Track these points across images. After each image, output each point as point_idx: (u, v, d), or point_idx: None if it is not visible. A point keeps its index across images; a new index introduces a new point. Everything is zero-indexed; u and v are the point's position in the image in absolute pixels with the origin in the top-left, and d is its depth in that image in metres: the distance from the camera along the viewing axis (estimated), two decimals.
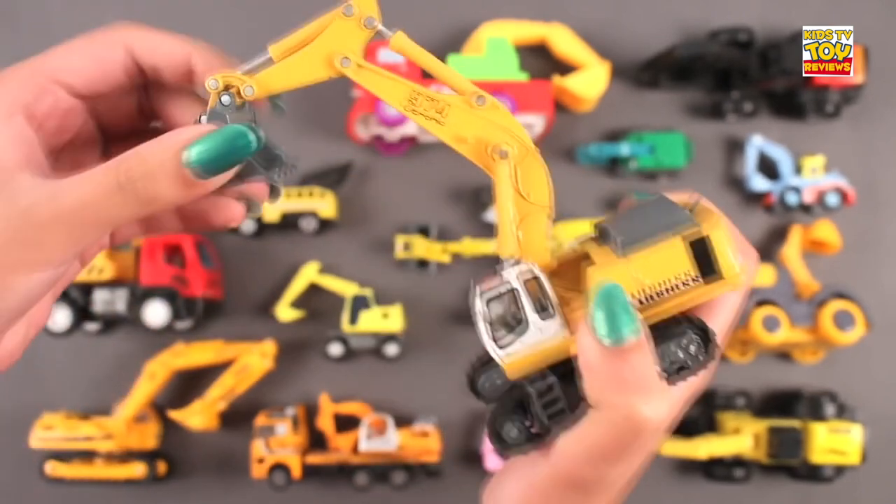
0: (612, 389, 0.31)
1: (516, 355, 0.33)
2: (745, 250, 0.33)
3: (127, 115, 0.40)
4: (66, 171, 0.34)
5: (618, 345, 0.30)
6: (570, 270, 0.36)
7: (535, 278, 0.33)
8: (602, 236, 0.35)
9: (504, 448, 0.34)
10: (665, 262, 0.32)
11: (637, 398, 0.31)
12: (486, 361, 0.37)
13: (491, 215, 1.04)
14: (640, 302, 0.32)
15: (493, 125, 0.35)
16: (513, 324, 0.33)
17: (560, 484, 0.35)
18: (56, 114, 0.36)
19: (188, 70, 0.37)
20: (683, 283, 0.32)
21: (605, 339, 0.31)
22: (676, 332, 0.33)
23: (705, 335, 0.34)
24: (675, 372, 0.33)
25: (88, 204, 0.32)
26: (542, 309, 0.33)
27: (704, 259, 0.32)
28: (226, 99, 0.35)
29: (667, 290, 0.32)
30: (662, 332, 0.33)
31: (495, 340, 0.33)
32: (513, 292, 0.33)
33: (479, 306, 0.33)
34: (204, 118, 0.36)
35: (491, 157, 0.34)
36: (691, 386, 0.34)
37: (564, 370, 0.33)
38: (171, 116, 0.39)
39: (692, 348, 0.33)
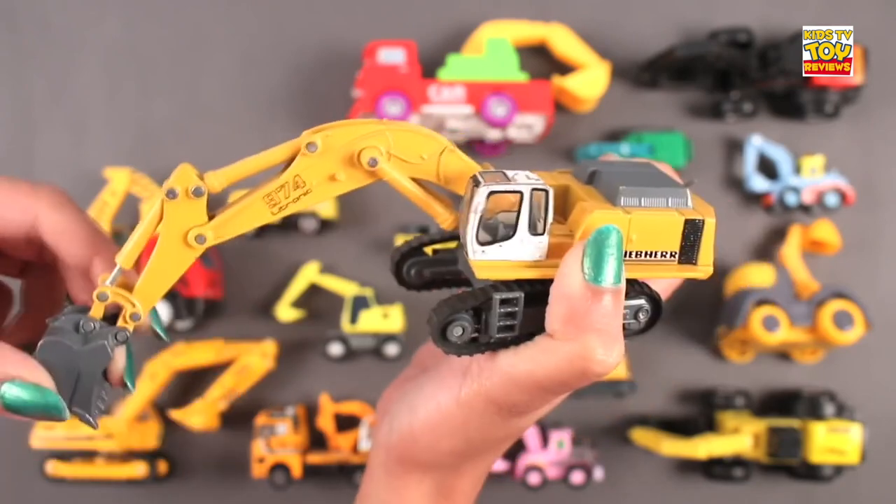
0: (578, 323, 0.32)
1: (489, 259, 0.33)
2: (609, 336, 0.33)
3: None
4: None
5: (599, 285, 0.31)
6: None
7: (545, 191, 0.33)
8: (591, 178, 0.35)
9: (444, 346, 0.34)
10: (659, 231, 0.33)
11: (598, 340, 0.32)
12: (413, 249, 0.39)
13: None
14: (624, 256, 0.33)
15: (340, 150, 0.34)
16: (497, 229, 0.33)
17: (488, 403, 0.35)
18: None
19: (86, 266, 0.37)
20: (661, 255, 0.33)
21: (592, 276, 0.31)
22: (633, 296, 0.34)
23: (657, 308, 0.35)
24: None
25: None
26: (534, 225, 0.33)
27: (688, 245, 0.34)
28: (89, 326, 0.35)
29: (647, 254, 0.33)
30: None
31: (477, 237, 0.33)
32: (520, 196, 0.33)
33: (480, 197, 0.33)
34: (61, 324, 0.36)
35: (368, 169, 0.35)
36: None
37: (530, 293, 0.34)
38: (71, 288, 0.39)
39: (641, 315, 0.35)
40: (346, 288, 1.07)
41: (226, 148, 1.10)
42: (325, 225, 1.07)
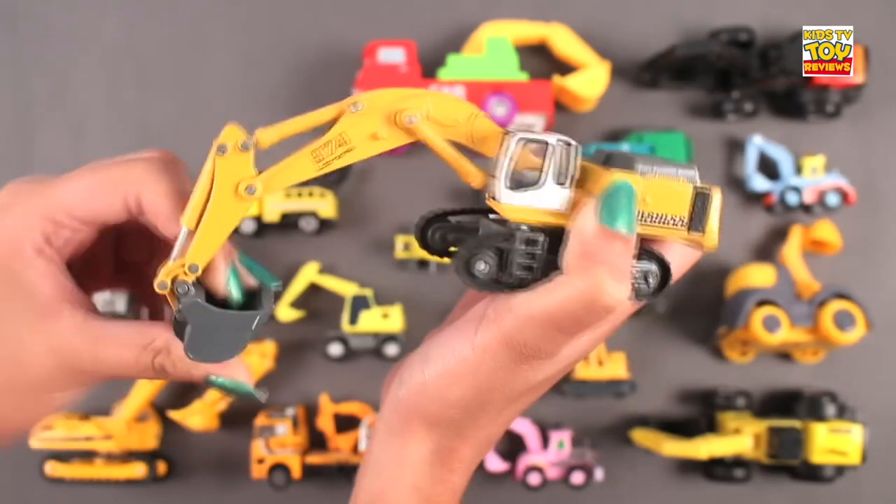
0: (590, 260, 0.34)
1: (517, 203, 0.36)
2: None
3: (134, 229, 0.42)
4: (84, 281, 0.39)
5: (612, 228, 0.34)
6: None
7: (571, 146, 0.36)
8: (607, 160, 0.38)
9: (468, 279, 0.37)
10: (671, 197, 0.37)
11: (608, 276, 0.34)
12: (438, 215, 0.42)
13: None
14: (638, 216, 0.36)
15: (381, 109, 0.36)
16: (519, 179, 0.36)
17: (503, 344, 0.36)
18: (72, 243, 0.39)
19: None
20: (672, 220, 0.37)
21: (605, 219, 0.35)
22: (643, 259, 0.37)
23: (665, 274, 0.38)
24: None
25: (125, 369, 0.37)
26: (559, 177, 0.36)
27: (697, 213, 0.37)
28: (183, 289, 0.36)
29: (659, 218, 0.37)
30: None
31: (507, 181, 0.36)
32: (546, 148, 0.36)
33: (512, 145, 0.36)
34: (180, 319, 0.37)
35: (408, 129, 0.37)
36: (632, 307, 0.38)
37: (550, 242, 0.37)
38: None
39: (650, 279, 0.38)
40: (345, 288, 1.07)
41: None
42: (325, 225, 1.07)
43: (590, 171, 0.38)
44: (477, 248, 0.37)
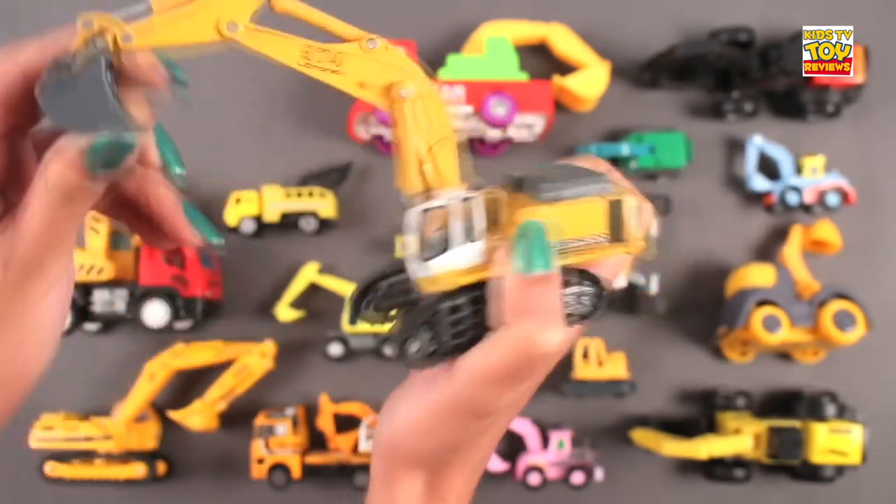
0: (517, 312, 0.33)
1: (435, 272, 0.35)
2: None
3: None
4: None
5: (530, 274, 0.33)
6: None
7: (468, 200, 0.35)
8: (518, 185, 0.37)
9: (406, 362, 0.36)
10: (585, 218, 0.35)
11: (537, 324, 0.33)
12: (370, 285, 0.39)
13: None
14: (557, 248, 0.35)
15: (390, 66, 0.36)
16: (434, 244, 0.35)
17: (456, 407, 0.36)
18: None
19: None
20: (592, 239, 0.36)
21: (521, 267, 0.33)
22: (573, 283, 0.36)
23: (599, 290, 0.37)
24: (567, 318, 0.36)
25: (51, 206, 0.33)
26: (468, 233, 0.35)
27: (614, 225, 0.36)
28: (101, 44, 0.33)
29: (580, 242, 0.35)
30: (563, 280, 0.36)
31: (419, 254, 0.35)
32: (446, 210, 0.35)
33: (413, 217, 0.34)
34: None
35: (394, 100, 0.35)
36: (577, 331, 0.37)
37: (475, 298, 0.35)
38: None
39: (585, 299, 0.37)
40: (345, 288, 1.07)
41: (226, 148, 1.10)
42: (324, 225, 1.07)
43: (500, 203, 0.36)
44: (407, 330, 0.35)
